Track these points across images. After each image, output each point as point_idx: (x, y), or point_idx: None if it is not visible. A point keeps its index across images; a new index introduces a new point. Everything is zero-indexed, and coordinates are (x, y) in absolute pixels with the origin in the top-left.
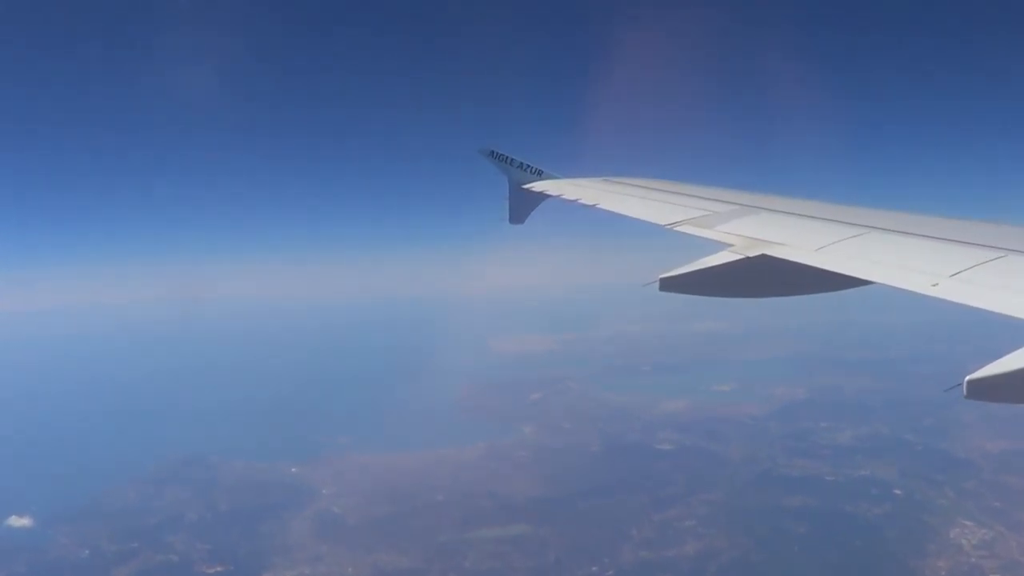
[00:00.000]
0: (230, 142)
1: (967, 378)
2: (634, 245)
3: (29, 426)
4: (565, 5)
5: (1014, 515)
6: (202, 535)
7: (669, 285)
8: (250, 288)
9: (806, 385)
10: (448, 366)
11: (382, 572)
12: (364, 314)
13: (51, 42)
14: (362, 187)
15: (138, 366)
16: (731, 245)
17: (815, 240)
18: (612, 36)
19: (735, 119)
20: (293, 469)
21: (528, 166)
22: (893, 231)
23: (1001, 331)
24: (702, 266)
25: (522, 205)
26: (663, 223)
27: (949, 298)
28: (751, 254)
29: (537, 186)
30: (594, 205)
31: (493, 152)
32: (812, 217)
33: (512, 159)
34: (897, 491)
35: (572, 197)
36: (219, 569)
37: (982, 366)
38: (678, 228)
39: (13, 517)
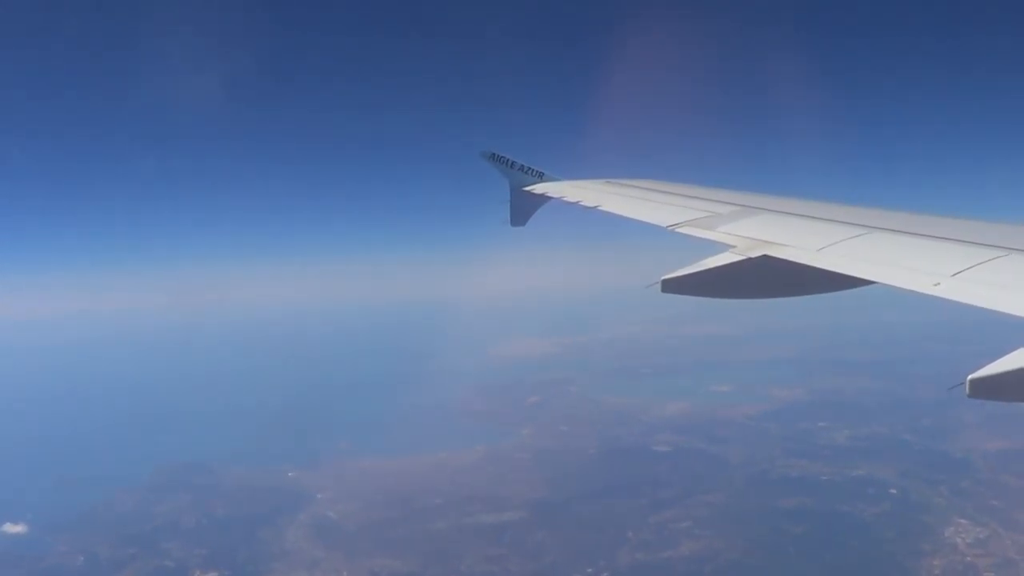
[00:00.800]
0: (229, 147)
1: (969, 377)
2: (635, 247)
3: (29, 432)
4: (564, 7)
5: (1010, 514)
6: (199, 541)
7: (671, 286)
8: (249, 293)
9: (805, 386)
10: (448, 369)
11: None
12: (365, 318)
13: (52, 44)
14: (361, 191)
15: (139, 372)
16: (733, 246)
17: (817, 241)
18: (612, 38)
19: (736, 120)
20: (291, 474)
21: (529, 168)
22: (894, 231)
23: (1001, 332)
24: (704, 267)
25: (523, 207)
26: (664, 224)
27: (951, 297)
28: (753, 255)
29: (538, 188)
30: (595, 207)
31: (494, 155)
32: (813, 218)
33: (513, 161)
34: (894, 491)
35: (573, 199)
36: (214, 575)
37: (983, 366)
38: (680, 229)
39: (8, 524)
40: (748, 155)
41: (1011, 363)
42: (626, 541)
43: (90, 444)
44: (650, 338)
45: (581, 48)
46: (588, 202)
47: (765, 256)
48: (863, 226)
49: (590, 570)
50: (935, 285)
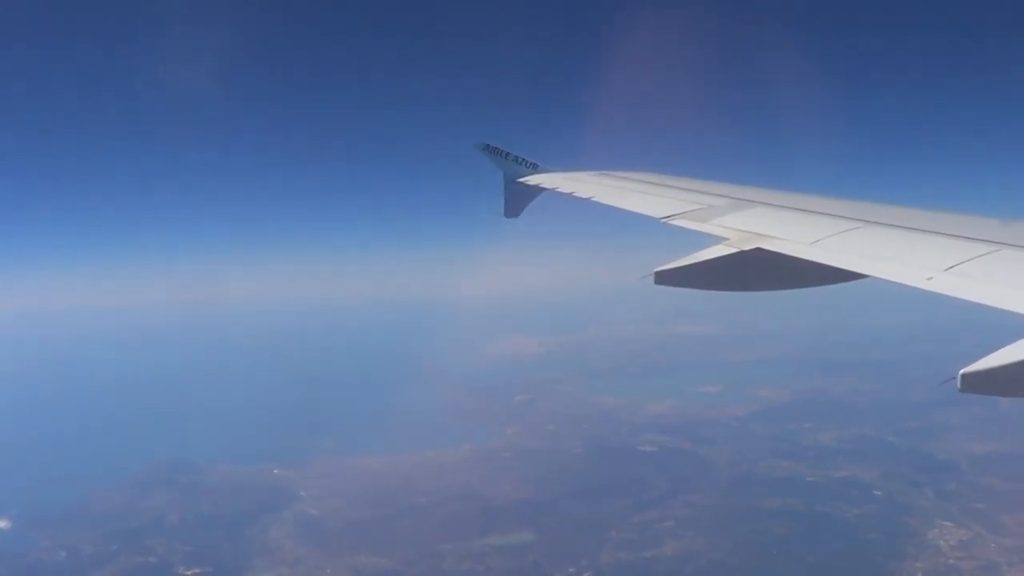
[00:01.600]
0: (222, 144)
1: (961, 371)
2: (629, 239)
3: (19, 428)
4: (558, 1)
5: (994, 517)
6: (183, 537)
7: (664, 278)
8: (240, 291)
9: (792, 387)
10: (437, 368)
11: (360, 574)
12: (356, 316)
13: (50, 41)
14: (353, 188)
15: (130, 369)
16: (726, 239)
17: (810, 234)
18: (607, 31)
19: (730, 113)
20: (276, 472)
21: (523, 160)
22: (888, 225)
23: (989, 333)
24: (697, 259)
25: (517, 199)
26: (658, 216)
27: (943, 292)
28: (746, 248)
29: (532, 179)
30: (589, 198)
31: (488, 146)
32: (807, 211)
33: (508, 153)
34: (878, 492)
35: (567, 190)
36: (197, 571)
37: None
38: (673, 222)
39: None
40: (742, 148)
41: (1003, 358)
42: (609, 541)
43: (79, 440)
44: (640, 337)
45: (575, 42)
46: (582, 194)
47: (758, 249)
48: (857, 220)
49: (572, 569)
50: (928, 279)
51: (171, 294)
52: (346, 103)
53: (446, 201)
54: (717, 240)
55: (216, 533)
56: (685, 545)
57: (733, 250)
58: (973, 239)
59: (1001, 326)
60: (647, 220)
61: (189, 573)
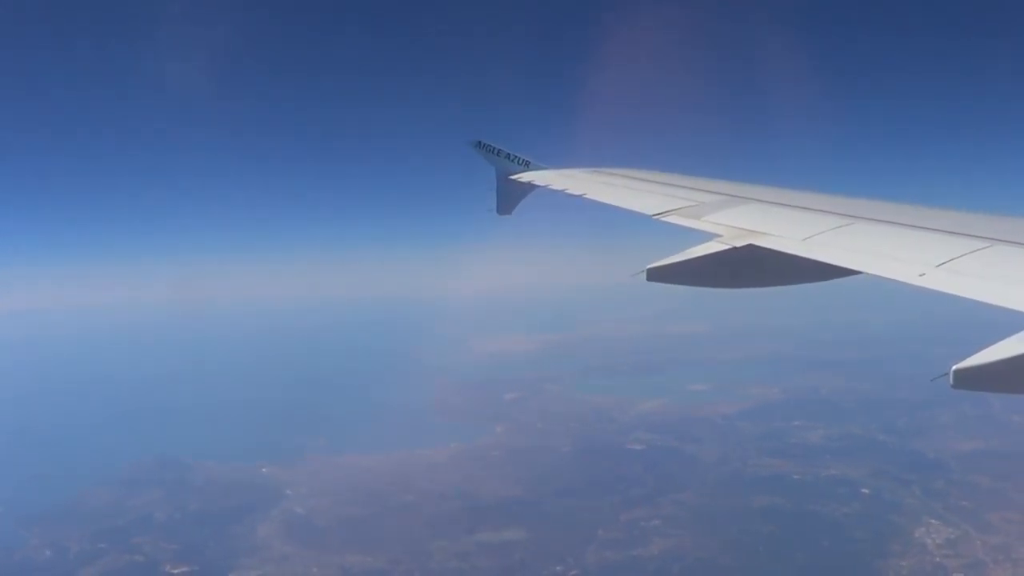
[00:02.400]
0: (212, 143)
1: (954, 367)
2: (621, 235)
3: (8, 426)
4: None
5: (981, 515)
6: (170, 535)
7: (656, 275)
8: (232, 289)
9: (782, 385)
10: (428, 366)
11: (347, 572)
12: (348, 314)
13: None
14: (344, 187)
15: (121, 368)
16: (719, 235)
17: (802, 230)
18: (600, 27)
19: (723, 109)
20: (265, 470)
21: (516, 157)
22: (880, 221)
23: (980, 331)
24: (690, 256)
25: (510, 196)
26: (650, 213)
27: (936, 288)
28: (738, 244)
29: (525, 176)
30: (581, 195)
31: (481, 143)
32: (800, 207)
33: (500, 150)
34: (865, 491)
35: (559, 187)
36: (184, 569)
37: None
38: (666, 218)
39: None
40: (735, 144)
41: (996, 353)
42: (596, 539)
43: (69, 437)
44: (631, 336)
45: (567, 39)
46: (574, 190)
47: (751, 245)
48: (849, 216)
49: (559, 568)
50: (920, 275)
51: (162, 293)
52: (337, 100)
53: (438, 198)
54: (709, 237)
55: (203, 531)
56: (672, 543)
57: (725, 247)
58: (965, 235)
59: (993, 322)
60: (639, 217)
61: (176, 571)
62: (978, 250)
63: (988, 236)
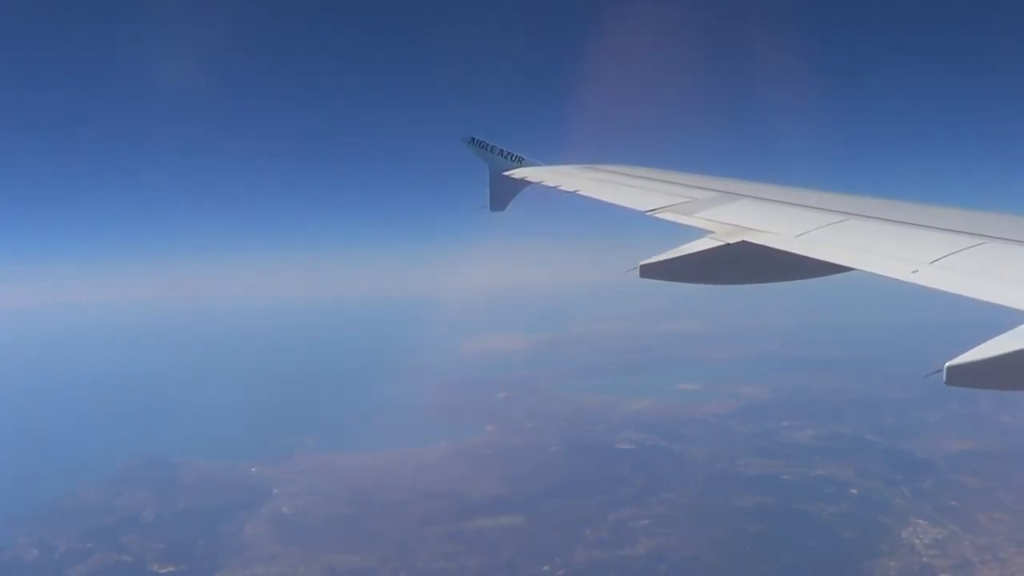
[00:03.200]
0: (207, 142)
1: (947, 364)
2: (614, 232)
3: (2, 424)
4: None
5: (969, 515)
6: (158, 535)
7: (649, 272)
8: (225, 288)
9: (772, 385)
10: (419, 365)
11: (334, 572)
12: (339, 312)
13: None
14: (335, 183)
15: (112, 366)
16: (712, 232)
17: (796, 227)
18: (593, 24)
19: (716, 106)
20: (254, 469)
21: (509, 153)
22: (873, 218)
23: (971, 331)
24: (683, 252)
25: (503, 192)
26: (643, 209)
27: (928, 285)
28: (732, 241)
29: (518, 173)
30: (575, 192)
31: (474, 139)
32: (793, 204)
33: (493, 146)
34: (854, 491)
35: (552, 184)
36: (171, 569)
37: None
38: (659, 215)
39: None
40: (728, 141)
41: (989, 350)
42: (583, 538)
43: (59, 436)
44: (623, 334)
45: (561, 36)
46: (567, 187)
47: (744, 242)
48: (842, 213)
49: (546, 567)
50: (913, 272)
51: (152, 292)
52: (330, 99)
53: (431, 195)
54: (703, 233)
55: (192, 531)
56: (660, 543)
57: (719, 243)
58: (958, 232)
59: (986, 319)
60: (633, 213)
61: (164, 571)
62: (971, 247)
63: (981, 233)
